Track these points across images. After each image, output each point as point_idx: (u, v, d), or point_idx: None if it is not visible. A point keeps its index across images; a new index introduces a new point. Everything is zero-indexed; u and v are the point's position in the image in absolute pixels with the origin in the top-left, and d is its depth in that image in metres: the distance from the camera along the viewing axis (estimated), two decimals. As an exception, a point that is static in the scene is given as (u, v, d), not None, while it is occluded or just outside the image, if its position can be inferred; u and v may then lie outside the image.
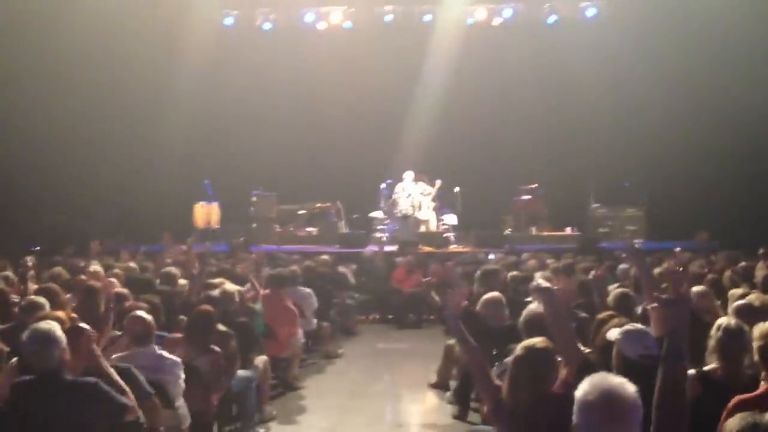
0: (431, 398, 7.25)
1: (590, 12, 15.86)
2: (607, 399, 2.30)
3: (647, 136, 15.04)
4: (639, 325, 3.81)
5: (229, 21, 16.45)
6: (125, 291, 6.58)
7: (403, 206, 14.30)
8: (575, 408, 2.34)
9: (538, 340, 3.59)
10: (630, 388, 2.34)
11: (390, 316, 11.40)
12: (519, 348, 3.59)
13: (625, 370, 3.20)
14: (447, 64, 15.65)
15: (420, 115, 15.62)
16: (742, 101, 14.05)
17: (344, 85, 15.91)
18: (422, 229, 14.20)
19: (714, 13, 14.11)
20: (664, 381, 2.58)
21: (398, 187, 14.49)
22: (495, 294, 6.08)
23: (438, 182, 14.21)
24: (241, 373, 5.97)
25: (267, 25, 16.48)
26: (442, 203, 14.58)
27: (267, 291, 7.66)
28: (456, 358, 6.88)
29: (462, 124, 15.98)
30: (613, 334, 3.74)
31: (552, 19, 16.05)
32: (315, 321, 8.81)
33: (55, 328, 3.83)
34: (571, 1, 16.09)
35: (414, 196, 14.36)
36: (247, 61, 15.98)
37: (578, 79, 15.19)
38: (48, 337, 3.72)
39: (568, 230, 14.20)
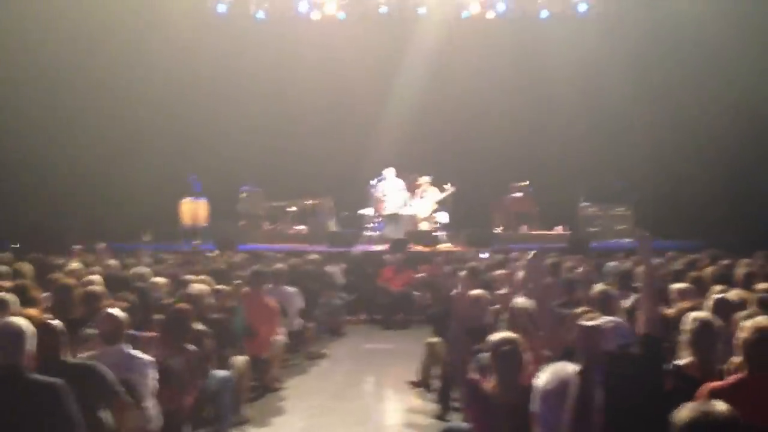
0: (415, 399, 7.13)
1: (582, 8, 15.77)
2: (567, 386, 2.32)
3: (638, 134, 15.05)
4: (610, 318, 3.82)
5: (222, 8, 16.15)
6: (102, 289, 6.46)
7: (391, 204, 14.15)
8: (535, 396, 2.40)
9: (509, 335, 3.64)
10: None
11: (377, 317, 11.28)
12: (504, 343, 3.57)
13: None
14: (439, 58, 15.61)
15: (411, 110, 15.53)
16: (732, 101, 14.06)
17: (336, 78, 15.84)
18: (414, 227, 14.04)
19: (705, 13, 14.10)
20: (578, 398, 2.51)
21: (381, 186, 14.29)
22: (479, 292, 6.00)
23: (449, 186, 13.88)
24: (217, 373, 5.85)
25: (260, 14, 16.25)
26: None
27: (247, 289, 7.52)
28: (438, 357, 6.78)
29: (452, 120, 15.94)
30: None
31: (544, 14, 15.95)
32: (299, 321, 8.68)
33: (21, 323, 3.73)
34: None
35: (400, 193, 14.20)
36: (237, 51, 15.83)
37: (569, 76, 15.19)
38: (10, 333, 3.62)
39: (559, 229, 14.12)
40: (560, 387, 2.38)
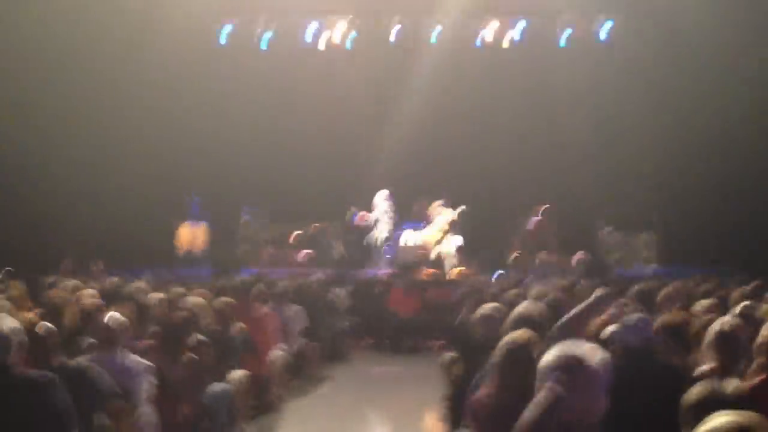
0: (422, 423, 7.19)
1: (602, 34, 15.99)
2: (572, 366, 2.36)
3: (663, 160, 15.09)
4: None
5: (224, 39, 16.43)
6: (98, 302, 6.62)
7: (382, 229, 14.31)
8: (539, 375, 2.43)
9: (520, 334, 3.66)
10: (596, 355, 2.41)
11: (384, 341, 11.38)
12: (503, 343, 3.64)
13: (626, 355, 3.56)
14: (452, 86, 15.78)
15: (421, 135, 15.66)
16: (762, 127, 14.13)
17: (343, 104, 15.99)
18: (424, 251, 14.15)
19: (732, 38, 14.27)
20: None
21: (376, 212, 14.47)
22: (492, 307, 6.07)
23: (459, 209, 14.05)
24: (216, 386, 5.97)
25: (264, 44, 16.47)
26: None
27: (247, 305, 7.67)
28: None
29: (466, 145, 16.03)
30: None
31: (563, 41, 16.14)
32: (302, 341, 8.80)
33: (7, 323, 3.86)
34: (585, 17, 16.23)
35: (389, 217, 14.38)
36: (240, 76, 16.07)
37: (589, 100, 15.31)
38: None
39: (579, 255, 14.16)
40: (570, 364, 2.45)
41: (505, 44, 16.15)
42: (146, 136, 15.20)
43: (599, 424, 2.48)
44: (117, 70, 15.01)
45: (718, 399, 2.25)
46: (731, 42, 14.17)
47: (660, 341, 3.92)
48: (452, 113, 15.91)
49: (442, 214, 14.24)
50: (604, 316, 4.90)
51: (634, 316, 3.95)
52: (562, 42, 16.19)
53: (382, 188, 14.92)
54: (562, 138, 15.72)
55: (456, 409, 6.29)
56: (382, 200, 14.50)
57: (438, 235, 14.14)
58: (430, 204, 14.49)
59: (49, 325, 4.46)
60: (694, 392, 2.31)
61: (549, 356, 2.52)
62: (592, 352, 2.45)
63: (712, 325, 4.05)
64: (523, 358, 3.63)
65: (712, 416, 2.01)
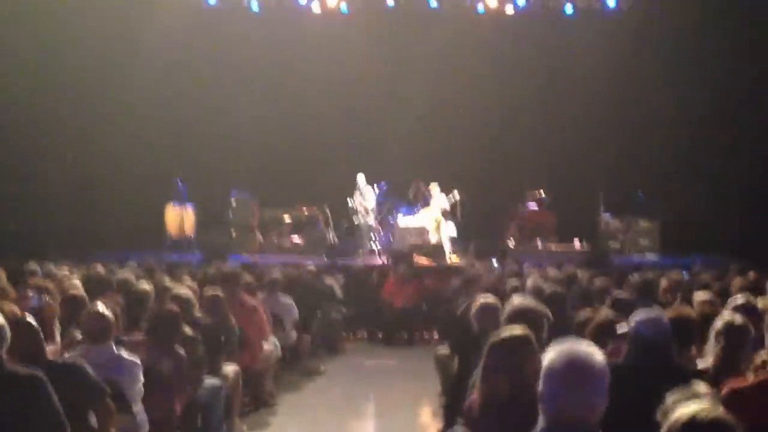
0: (417, 417, 7.28)
1: (611, 2, 15.84)
2: (573, 366, 2.41)
3: (664, 143, 15.13)
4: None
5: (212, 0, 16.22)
6: (82, 293, 6.66)
7: (364, 219, 14.33)
8: (541, 375, 2.46)
9: (515, 327, 3.71)
10: (596, 353, 2.46)
11: (378, 333, 11.45)
12: (495, 336, 3.68)
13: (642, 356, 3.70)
14: (451, 56, 15.70)
15: (417, 113, 15.62)
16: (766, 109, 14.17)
17: (338, 76, 15.87)
18: (419, 238, 14.20)
19: (745, 9, 14.21)
20: None
21: (366, 193, 14.46)
22: (489, 300, 6.12)
23: (455, 194, 14.00)
24: (208, 381, 6.02)
25: (255, 6, 16.17)
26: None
27: (238, 296, 7.70)
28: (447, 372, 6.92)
29: (463, 123, 15.99)
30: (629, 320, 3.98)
31: (569, 9, 15.96)
32: (294, 333, 8.85)
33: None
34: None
35: (368, 202, 14.39)
36: (229, 46, 15.87)
37: (592, 77, 15.24)
38: None
39: (577, 243, 14.26)
40: (567, 362, 2.50)
41: (509, 11, 15.95)
42: (133, 117, 15.14)
43: (602, 425, 2.52)
44: (102, 47, 14.93)
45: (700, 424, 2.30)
46: (743, 17, 14.10)
47: (673, 338, 3.98)
48: (450, 85, 15.78)
49: (436, 199, 14.23)
50: (602, 316, 4.94)
51: (649, 312, 4.01)
52: (568, 10, 16.00)
53: (376, 170, 14.88)
54: (563, 116, 15.70)
55: (451, 406, 6.38)
56: (363, 183, 14.48)
57: (433, 222, 14.15)
58: (427, 185, 14.43)
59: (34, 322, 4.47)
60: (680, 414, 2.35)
61: (550, 356, 2.55)
62: (592, 350, 2.50)
63: (714, 321, 4.13)
64: (518, 356, 3.66)
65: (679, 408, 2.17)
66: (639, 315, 3.99)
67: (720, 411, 2.22)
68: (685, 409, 2.21)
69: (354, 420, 7.32)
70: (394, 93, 15.78)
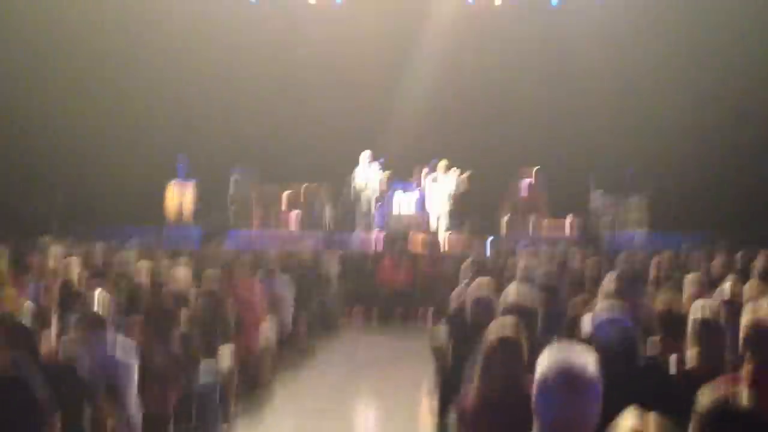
0: (412, 398, 7.21)
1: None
2: (567, 378, 2.33)
3: (653, 120, 15.03)
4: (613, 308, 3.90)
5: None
6: (82, 275, 6.56)
7: (365, 198, 14.15)
8: (534, 385, 2.39)
9: (506, 326, 3.62)
10: (590, 362, 2.37)
11: (374, 313, 11.36)
12: (491, 335, 3.58)
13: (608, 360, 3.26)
14: (444, 42, 15.55)
15: (413, 92, 15.52)
16: (755, 88, 14.03)
17: (337, 58, 15.80)
18: (416, 218, 14.04)
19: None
20: None
21: (361, 173, 14.26)
22: (485, 294, 6.00)
23: (465, 175, 13.76)
24: (204, 368, 5.91)
25: None
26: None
27: (234, 278, 7.60)
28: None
29: (456, 105, 15.92)
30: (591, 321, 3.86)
31: (555, 1, 15.97)
32: (291, 315, 8.75)
33: None
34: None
35: (371, 182, 14.16)
36: (227, 24, 15.74)
37: (581, 60, 15.17)
38: None
39: (569, 219, 14.14)
40: (561, 373, 2.38)
41: (498, 1, 15.97)
42: (133, 95, 14.99)
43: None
44: (107, 26, 14.75)
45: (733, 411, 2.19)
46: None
47: (638, 333, 3.83)
48: (441, 72, 15.67)
49: (448, 177, 13.98)
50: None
51: (609, 307, 3.86)
52: (554, 0, 15.99)
53: (374, 148, 14.72)
54: (553, 99, 15.62)
55: (447, 395, 6.29)
56: (367, 161, 14.29)
57: (447, 202, 13.89)
58: (434, 167, 14.20)
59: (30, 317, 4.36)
60: (706, 401, 2.25)
61: (544, 365, 2.44)
62: (586, 361, 2.38)
63: (693, 314, 3.96)
64: (510, 353, 3.57)
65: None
66: (597, 315, 3.84)
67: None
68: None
69: (350, 400, 7.28)
70: (389, 72, 15.71)
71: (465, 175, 13.74)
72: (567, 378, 2.34)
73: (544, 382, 2.36)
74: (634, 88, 15.15)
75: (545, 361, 2.40)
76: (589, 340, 3.79)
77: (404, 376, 7.71)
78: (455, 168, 13.94)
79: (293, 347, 8.85)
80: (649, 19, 15.16)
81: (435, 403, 6.04)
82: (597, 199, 14.33)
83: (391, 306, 11.18)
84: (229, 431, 6.23)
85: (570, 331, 5.17)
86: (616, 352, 3.60)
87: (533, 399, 2.40)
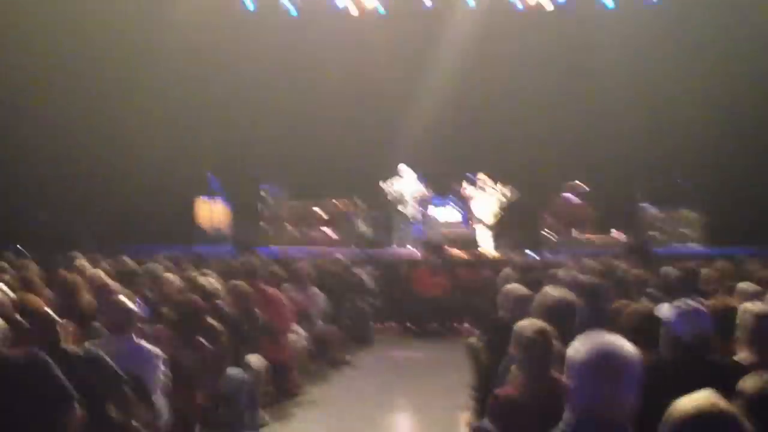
0: (447, 410, 7.16)
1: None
2: (602, 360, 2.33)
3: (708, 129, 14.79)
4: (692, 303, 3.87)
5: (250, 5, 16.42)
6: (110, 283, 6.68)
7: (401, 212, 14.24)
8: (569, 368, 2.39)
9: (536, 322, 3.66)
10: (627, 346, 2.37)
11: (409, 324, 11.36)
12: (520, 336, 3.61)
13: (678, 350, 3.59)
14: (487, 51, 15.57)
15: (453, 105, 15.55)
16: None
17: (371, 73, 15.87)
18: (453, 228, 14.05)
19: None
20: None
21: (397, 185, 14.36)
22: (523, 291, 5.99)
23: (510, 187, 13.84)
24: (232, 372, 5.98)
25: (293, 11, 16.43)
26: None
27: (265, 287, 7.67)
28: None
29: (499, 115, 15.83)
30: (665, 313, 3.82)
31: (611, 1, 15.88)
32: (321, 324, 8.80)
33: None
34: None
35: (408, 196, 14.27)
36: (266, 40, 15.91)
37: (631, 66, 15.07)
38: None
39: (617, 233, 14.00)
40: (602, 358, 2.40)
41: (549, 7, 15.91)
42: (165, 110, 15.27)
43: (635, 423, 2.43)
44: (136, 41, 15.07)
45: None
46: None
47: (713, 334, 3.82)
48: (480, 84, 15.69)
49: (490, 190, 14.01)
50: (640, 306, 4.80)
51: (689, 304, 3.85)
52: (610, 4, 15.93)
53: (409, 162, 14.79)
54: (603, 108, 15.45)
55: (482, 398, 6.25)
56: (407, 174, 14.40)
57: (493, 214, 13.92)
58: (474, 180, 14.25)
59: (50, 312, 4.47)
60: (751, 384, 2.24)
61: (576, 348, 2.47)
62: (624, 344, 2.39)
63: (743, 311, 3.93)
64: (541, 352, 3.61)
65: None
66: (676, 306, 3.84)
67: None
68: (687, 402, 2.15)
69: (381, 412, 7.24)
70: (429, 91, 15.73)
71: (508, 188, 13.74)
72: (601, 360, 2.37)
73: (578, 363, 2.40)
74: (687, 94, 14.97)
75: (580, 346, 2.42)
76: (663, 330, 3.80)
77: (438, 386, 7.66)
78: (498, 181, 13.96)
79: (325, 358, 8.87)
80: (706, 23, 14.98)
81: (472, 413, 6.02)
82: (645, 212, 14.17)
83: (427, 317, 11.17)
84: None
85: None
86: (690, 344, 3.66)
87: (569, 383, 2.41)
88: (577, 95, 15.57)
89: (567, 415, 2.45)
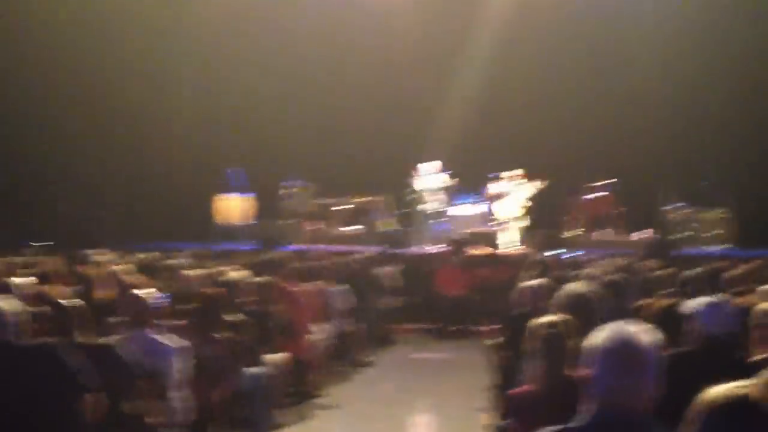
0: (468, 411, 7.18)
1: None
2: (622, 349, 2.35)
3: (738, 126, 14.64)
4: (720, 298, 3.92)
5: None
6: (132, 277, 6.79)
7: (426, 209, 14.26)
8: (589, 357, 2.42)
9: (555, 319, 3.68)
10: (647, 335, 2.39)
11: (432, 324, 11.38)
12: (538, 330, 3.63)
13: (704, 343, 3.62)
14: (510, 41, 15.50)
15: (476, 99, 15.52)
16: None
17: (395, 64, 15.87)
18: (478, 226, 14.08)
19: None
20: None
21: (423, 181, 14.40)
22: (543, 282, 5.99)
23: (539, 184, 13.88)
24: (251, 370, 6.04)
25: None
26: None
27: (286, 284, 7.74)
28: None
29: (523, 109, 15.78)
30: (692, 306, 3.85)
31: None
32: (344, 323, 8.85)
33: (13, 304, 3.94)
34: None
35: (432, 193, 14.28)
36: (285, 33, 16.02)
37: (659, 59, 14.92)
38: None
39: (640, 234, 13.90)
40: (622, 347, 2.43)
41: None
42: (189, 107, 15.44)
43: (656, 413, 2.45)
44: (158, 36, 15.23)
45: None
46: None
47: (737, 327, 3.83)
48: (505, 80, 15.63)
49: (522, 187, 14.03)
50: (663, 301, 4.81)
51: (717, 299, 3.88)
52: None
53: (435, 159, 14.83)
54: (632, 106, 15.34)
55: (503, 399, 6.27)
56: (433, 172, 14.43)
57: (521, 211, 13.97)
58: (500, 178, 14.26)
59: (72, 303, 4.57)
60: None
61: (597, 337, 2.50)
62: (645, 334, 2.42)
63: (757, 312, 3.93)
64: (558, 346, 3.62)
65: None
66: (702, 300, 3.86)
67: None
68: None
69: (402, 413, 7.28)
70: (450, 80, 15.73)
71: (537, 185, 13.75)
72: (621, 349, 2.38)
73: (598, 352, 2.41)
74: (717, 89, 14.82)
75: (601, 334, 2.44)
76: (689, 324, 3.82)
77: (460, 386, 7.69)
78: (524, 179, 13.95)
79: (346, 357, 8.93)
80: (734, 18, 14.82)
81: (492, 413, 6.03)
82: (672, 212, 14.08)
83: (449, 316, 11.19)
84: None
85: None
86: (716, 337, 3.70)
87: (588, 373, 2.42)
88: (607, 90, 15.47)
89: (586, 404, 2.47)
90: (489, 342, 7.06)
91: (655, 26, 15.19)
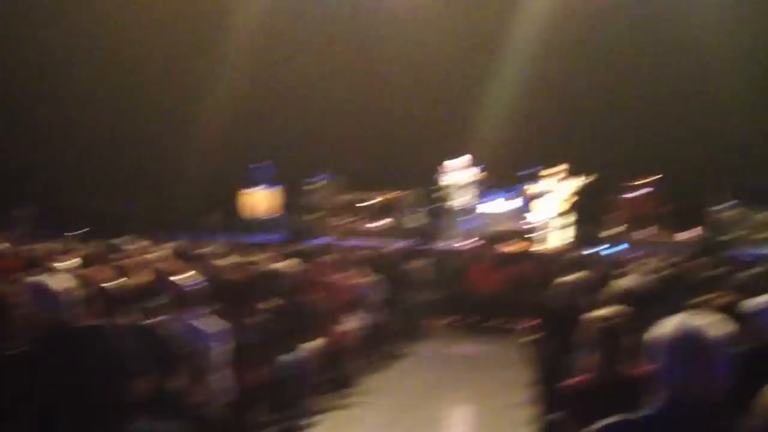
0: (504, 406, 7.21)
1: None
2: (688, 340, 2.36)
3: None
4: None
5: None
6: (169, 264, 6.88)
7: (458, 204, 14.28)
8: (655, 349, 2.42)
9: (611, 310, 3.69)
10: (718, 329, 2.39)
11: (465, 318, 11.41)
12: (594, 322, 3.65)
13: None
14: (551, 34, 15.47)
15: (513, 93, 15.49)
16: None
17: (430, 57, 15.92)
18: (512, 223, 14.08)
19: None
20: None
21: (452, 176, 14.43)
22: (582, 276, 5.99)
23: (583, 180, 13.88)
24: (287, 356, 6.12)
25: None
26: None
27: (322, 274, 7.81)
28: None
29: (565, 103, 15.72)
30: (754, 305, 3.89)
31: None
32: (377, 315, 8.91)
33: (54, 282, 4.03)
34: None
35: (465, 188, 14.31)
36: (309, 28, 16.16)
37: (714, 51, 14.79)
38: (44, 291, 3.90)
39: (688, 233, 13.78)
40: (690, 339, 2.45)
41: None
42: (220, 101, 15.62)
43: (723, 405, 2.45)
44: (191, 34, 15.44)
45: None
46: None
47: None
48: (545, 74, 15.59)
49: (565, 183, 14.04)
50: (718, 298, 4.79)
51: None
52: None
53: (467, 154, 14.83)
54: (682, 97, 15.19)
55: (548, 394, 6.27)
56: (464, 167, 14.47)
57: (564, 207, 13.98)
58: (536, 174, 14.27)
59: (119, 283, 4.67)
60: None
61: (662, 330, 2.50)
62: (715, 324, 2.42)
63: None
64: (614, 339, 3.64)
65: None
66: (763, 299, 3.88)
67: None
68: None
69: (434, 405, 7.35)
70: (486, 78, 15.68)
71: (582, 181, 13.73)
72: (687, 340, 2.38)
73: (664, 344, 2.41)
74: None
75: (667, 326, 2.44)
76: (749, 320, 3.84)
77: (495, 381, 7.74)
78: (566, 175, 13.93)
79: (380, 348, 8.99)
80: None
81: (538, 407, 6.06)
82: (724, 211, 13.93)
83: (482, 312, 11.22)
84: (309, 422, 6.41)
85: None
86: None
87: (654, 365, 2.44)
88: (655, 83, 15.36)
89: (650, 397, 2.48)
90: (526, 337, 7.07)
91: (709, 21, 14.99)
